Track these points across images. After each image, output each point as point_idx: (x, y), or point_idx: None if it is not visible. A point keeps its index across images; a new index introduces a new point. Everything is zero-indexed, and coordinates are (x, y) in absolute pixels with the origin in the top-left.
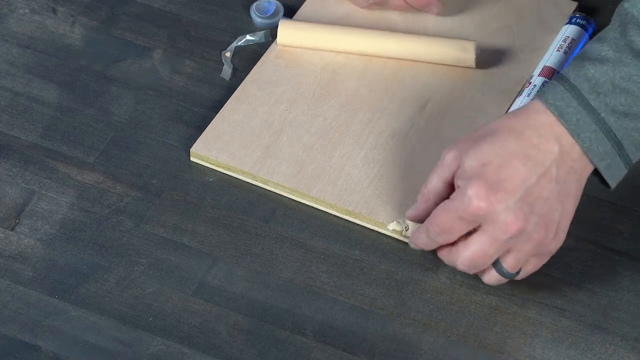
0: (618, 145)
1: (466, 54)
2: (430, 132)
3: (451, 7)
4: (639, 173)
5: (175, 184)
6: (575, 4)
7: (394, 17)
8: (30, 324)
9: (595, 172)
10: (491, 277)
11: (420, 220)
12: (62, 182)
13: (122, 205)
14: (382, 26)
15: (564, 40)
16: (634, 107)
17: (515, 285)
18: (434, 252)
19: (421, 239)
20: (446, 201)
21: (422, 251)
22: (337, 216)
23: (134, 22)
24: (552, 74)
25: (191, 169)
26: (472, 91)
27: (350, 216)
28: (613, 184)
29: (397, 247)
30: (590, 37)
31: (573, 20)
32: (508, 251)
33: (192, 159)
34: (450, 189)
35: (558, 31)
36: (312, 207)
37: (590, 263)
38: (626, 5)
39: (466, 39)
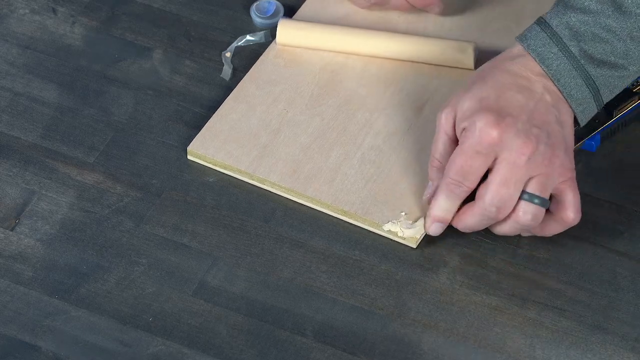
0: (595, 91)
1: (465, 55)
2: (428, 133)
3: (452, 8)
4: (639, 173)
5: (175, 184)
6: None
7: (394, 17)
8: (30, 324)
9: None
10: (527, 211)
11: None
12: (62, 182)
13: (122, 205)
14: (381, 27)
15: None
16: (611, 57)
17: (515, 285)
18: (434, 252)
19: (441, 199)
20: (458, 146)
21: (422, 252)
22: (337, 217)
23: (134, 22)
24: None
25: (191, 169)
26: None
27: (345, 216)
28: (584, 122)
29: (397, 248)
30: None
31: None
32: (530, 178)
33: (189, 157)
34: (456, 145)
35: None
36: (311, 207)
37: (590, 263)
38: None
39: (465, 40)
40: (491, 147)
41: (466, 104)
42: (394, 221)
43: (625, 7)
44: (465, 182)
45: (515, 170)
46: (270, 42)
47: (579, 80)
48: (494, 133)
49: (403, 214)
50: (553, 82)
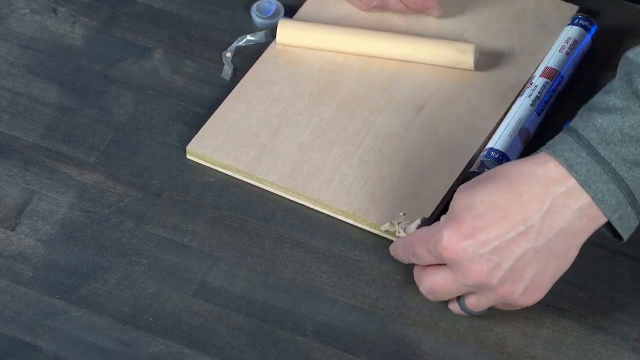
0: (630, 196)
1: (465, 56)
2: (427, 134)
3: (452, 9)
4: None
5: (175, 184)
6: (576, 8)
7: (394, 18)
8: (30, 324)
9: (606, 225)
10: (453, 308)
11: None
12: (63, 182)
13: (122, 205)
14: (382, 27)
15: (566, 41)
16: None
17: None
18: None
19: (397, 252)
20: (425, 228)
21: None
22: (336, 217)
23: (134, 22)
24: (553, 75)
25: (191, 169)
26: (470, 93)
27: (344, 216)
28: (626, 235)
29: None
30: (592, 38)
31: (575, 21)
32: (472, 292)
33: (188, 156)
34: None
35: (558, 34)
36: (310, 207)
37: (590, 263)
38: (630, 55)
39: (466, 41)
40: (441, 256)
41: (457, 201)
42: (392, 221)
43: None
44: (413, 259)
45: (456, 285)
46: (271, 42)
47: (612, 185)
48: (449, 248)
49: (401, 214)
50: (584, 188)
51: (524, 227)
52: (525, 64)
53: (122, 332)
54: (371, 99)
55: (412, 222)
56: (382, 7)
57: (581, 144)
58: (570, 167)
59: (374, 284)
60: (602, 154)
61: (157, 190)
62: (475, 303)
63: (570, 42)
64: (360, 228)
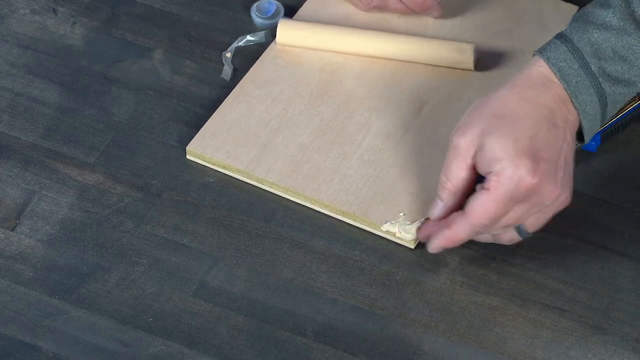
0: (604, 107)
1: (464, 56)
2: (427, 134)
3: (452, 10)
4: (639, 173)
5: (175, 185)
6: (576, 8)
7: (394, 18)
8: (30, 324)
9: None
10: (512, 239)
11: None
12: (63, 182)
13: (122, 205)
14: (381, 27)
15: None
16: (626, 74)
17: (515, 285)
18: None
19: (461, 235)
20: (485, 192)
21: (422, 252)
22: (336, 217)
23: (134, 22)
24: None
25: (191, 169)
26: (470, 93)
27: (344, 216)
28: (588, 139)
29: (397, 248)
30: None
31: None
32: (536, 213)
33: (188, 156)
34: (472, 174)
35: None
36: (310, 207)
37: (590, 264)
38: None
39: (465, 41)
40: (528, 192)
41: (498, 143)
42: (392, 222)
43: None
44: (494, 227)
45: (532, 210)
46: (271, 42)
47: (595, 98)
48: (534, 180)
49: (401, 214)
50: (570, 98)
51: (563, 134)
52: (525, 64)
53: (122, 332)
54: (371, 99)
55: (411, 222)
56: (381, 8)
57: (575, 55)
58: (562, 77)
59: (374, 284)
60: (592, 68)
61: (157, 190)
62: (536, 221)
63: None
64: (360, 228)
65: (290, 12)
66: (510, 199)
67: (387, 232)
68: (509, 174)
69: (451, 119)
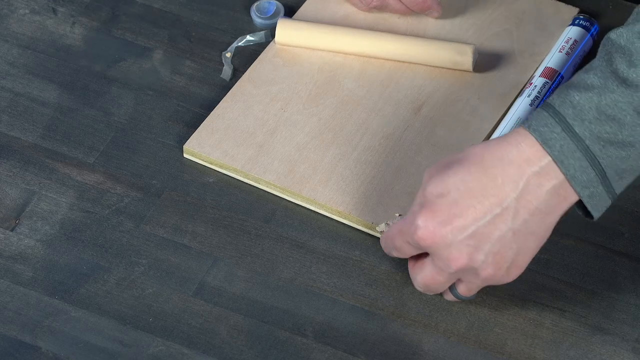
0: (601, 174)
1: (463, 57)
2: (425, 135)
3: (452, 10)
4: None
5: (175, 185)
6: (576, 10)
7: (394, 18)
8: (30, 324)
9: (579, 205)
10: (449, 298)
11: None
12: (62, 182)
13: (122, 205)
14: (381, 27)
15: (566, 42)
16: (619, 135)
17: (515, 285)
18: None
19: (383, 247)
20: (401, 221)
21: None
22: (332, 217)
23: (134, 22)
24: (553, 75)
25: (191, 169)
26: (469, 94)
27: (340, 217)
28: (597, 214)
29: None
30: (593, 38)
31: (576, 22)
32: (459, 280)
33: (185, 155)
34: None
35: (558, 36)
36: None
37: (590, 264)
38: (612, 35)
39: (465, 42)
40: (420, 246)
41: (429, 188)
42: (387, 222)
43: (630, 81)
44: (396, 253)
45: (442, 275)
46: (271, 42)
47: (584, 163)
48: (427, 236)
49: (397, 215)
50: (556, 164)
51: (500, 210)
52: (525, 65)
53: (121, 332)
54: (369, 99)
55: None
56: (381, 8)
57: (557, 119)
58: (545, 143)
59: (373, 284)
60: (577, 131)
61: (156, 190)
62: (466, 289)
63: (570, 42)
64: (358, 228)
65: (290, 12)
66: (406, 241)
67: (383, 232)
68: (413, 217)
69: (449, 120)
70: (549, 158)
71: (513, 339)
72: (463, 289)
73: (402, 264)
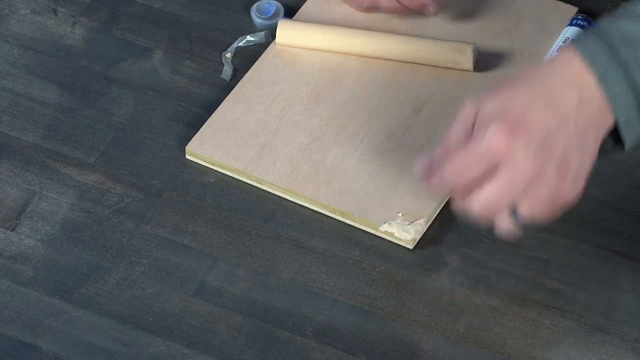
0: (638, 100)
1: (464, 56)
2: (426, 135)
3: (451, 10)
4: (639, 173)
5: (175, 185)
6: (575, 9)
7: (394, 18)
8: (30, 324)
9: (611, 134)
10: (505, 225)
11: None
12: (63, 182)
13: (122, 205)
14: (381, 28)
15: (564, 41)
16: None
17: (515, 285)
18: (434, 252)
19: (435, 179)
20: (460, 144)
21: (422, 252)
22: (335, 217)
23: (134, 22)
24: None
25: (191, 169)
26: (469, 94)
27: (343, 217)
28: (629, 142)
29: (397, 248)
30: None
31: (574, 22)
32: (524, 195)
33: (187, 156)
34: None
35: (557, 35)
36: (309, 207)
37: (590, 264)
38: None
39: (465, 41)
40: (495, 157)
41: (489, 107)
42: (390, 222)
43: None
44: (459, 178)
45: (512, 187)
46: (271, 42)
47: (624, 86)
48: (502, 145)
49: (400, 214)
50: (600, 85)
51: (564, 117)
52: (524, 64)
53: (122, 332)
54: (370, 99)
55: (410, 222)
56: (373, 8)
57: (605, 43)
58: (591, 64)
59: (373, 284)
60: (622, 56)
61: (157, 190)
62: (530, 207)
63: (568, 42)
64: (359, 228)
65: (290, 12)
66: (478, 158)
67: (386, 232)
68: (483, 132)
69: (451, 120)
70: (595, 79)
71: (513, 338)
72: (526, 207)
73: (402, 264)
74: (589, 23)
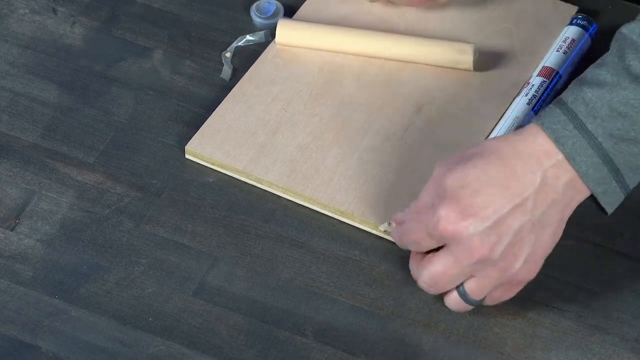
0: (615, 171)
1: (464, 56)
2: (426, 134)
3: (452, 10)
4: None
5: (175, 184)
6: (575, 8)
7: (394, 18)
8: (30, 324)
9: (592, 197)
10: (452, 300)
11: None
12: (62, 182)
13: (122, 205)
14: (381, 27)
15: (564, 41)
16: (631, 132)
17: None
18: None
19: (395, 238)
20: (420, 213)
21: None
22: (335, 217)
23: (134, 22)
24: (551, 74)
25: (191, 169)
26: (469, 93)
27: (342, 216)
28: (610, 209)
29: (396, 248)
30: (591, 37)
31: (574, 21)
32: (472, 276)
33: (187, 156)
34: None
35: (558, 35)
36: (309, 207)
37: (590, 264)
38: (624, 30)
39: (465, 41)
40: (442, 237)
41: (449, 180)
42: (390, 222)
43: None
44: (412, 246)
45: (457, 267)
46: (271, 42)
47: (596, 159)
48: (449, 227)
49: (400, 214)
50: (569, 161)
51: (520, 200)
52: (525, 64)
53: (122, 332)
54: (370, 99)
55: None
56: (387, 0)
57: (569, 116)
58: (557, 140)
59: (373, 284)
60: (589, 128)
61: (156, 190)
62: (477, 287)
63: (568, 41)
64: (359, 228)
65: (290, 12)
66: (427, 233)
67: (386, 232)
68: (435, 209)
69: (451, 119)
70: (562, 155)
71: (512, 338)
72: (474, 287)
73: (402, 264)
74: (589, 23)
